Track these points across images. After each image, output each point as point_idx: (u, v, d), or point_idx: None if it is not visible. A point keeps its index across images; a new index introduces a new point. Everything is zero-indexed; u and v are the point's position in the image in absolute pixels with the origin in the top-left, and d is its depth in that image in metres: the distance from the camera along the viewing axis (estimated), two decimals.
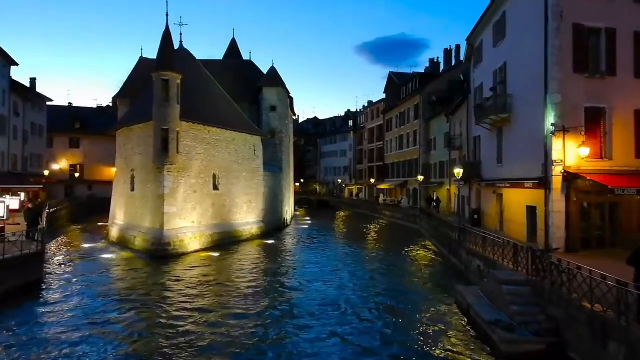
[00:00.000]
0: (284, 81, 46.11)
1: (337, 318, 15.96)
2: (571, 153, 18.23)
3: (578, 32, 18.56)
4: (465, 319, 15.04)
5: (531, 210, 20.68)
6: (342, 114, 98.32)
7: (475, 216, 28.56)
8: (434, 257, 28.71)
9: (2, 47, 38.76)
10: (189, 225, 30.24)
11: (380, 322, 15.67)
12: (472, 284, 18.58)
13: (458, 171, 26.57)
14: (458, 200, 35.80)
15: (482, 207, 29.02)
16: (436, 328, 14.62)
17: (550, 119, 18.51)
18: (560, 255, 14.57)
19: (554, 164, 18.32)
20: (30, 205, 28.49)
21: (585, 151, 17.84)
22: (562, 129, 18.06)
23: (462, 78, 42.04)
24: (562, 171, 18.22)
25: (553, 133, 18.26)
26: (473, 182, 30.68)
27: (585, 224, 18.66)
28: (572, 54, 18.52)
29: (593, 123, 18.65)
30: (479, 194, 30.14)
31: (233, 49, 54.47)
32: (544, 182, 18.84)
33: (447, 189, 42.27)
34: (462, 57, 45.80)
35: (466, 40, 31.27)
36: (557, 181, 18.30)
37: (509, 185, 23.39)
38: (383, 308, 17.32)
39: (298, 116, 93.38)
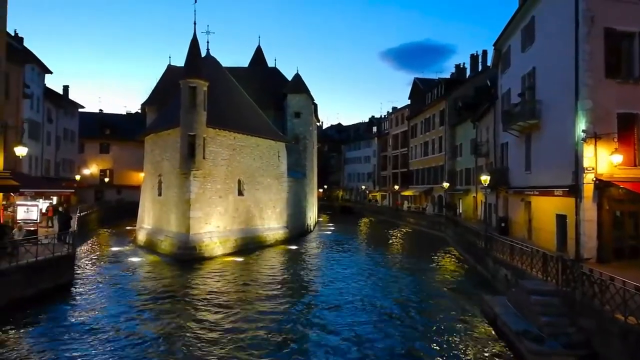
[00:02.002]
0: (309, 88, 46.44)
1: (360, 323, 15.90)
2: (603, 160, 17.73)
3: (610, 36, 18.10)
4: (492, 329, 14.76)
5: (561, 219, 20.19)
6: (366, 120, 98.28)
7: (503, 224, 28.03)
8: (459, 265, 28.28)
9: (37, 56, 40.14)
10: (214, 230, 30.61)
11: (404, 328, 15.51)
12: (499, 293, 18.21)
13: (485, 178, 26.17)
14: (485, 208, 35.21)
15: (509, 215, 28.48)
16: (461, 337, 14.40)
17: (581, 125, 18.07)
18: (591, 266, 14.17)
19: (585, 171, 17.85)
20: (60, 209, 29.39)
21: (618, 158, 17.33)
22: (594, 135, 17.62)
23: (488, 84, 41.48)
24: (594, 179, 17.73)
25: (584, 140, 17.82)
26: (500, 190, 30.15)
27: (617, 233, 18.05)
28: (603, 59, 18.05)
29: (626, 129, 18.11)
30: (506, 202, 29.60)
31: (258, 56, 55.12)
32: (574, 190, 18.37)
33: (474, 196, 41.63)
34: (488, 63, 45.23)
35: (493, 45, 30.87)
36: (588, 189, 17.81)
37: (537, 192, 22.90)
38: (407, 315, 17.15)
39: (322, 122, 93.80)
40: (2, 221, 22.01)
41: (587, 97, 18.01)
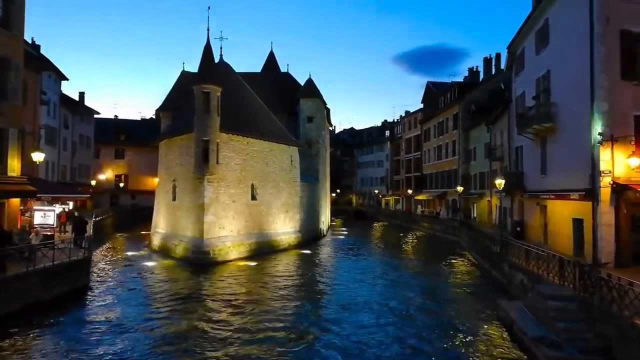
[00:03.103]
0: (321, 92, 46.50)
1: (374, 326, 15.88)
2: (620, 163, 17.44)
3: (626, 38, 17.82)
4: (508, 335, 14.58)
5: (577, 223, 19.89)
6: (379, 124, 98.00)
7: (518, 228, 27.73)
8: (474, 270, 28.02)
9: (54, 63, 40.81)
10: (227, 234, 30.75)
11: (418, 332, 15.35)
12: (514, 298, 17.99)
13: (499, 182, 25.91)
14: (500, 212, 34.87)
15: (525, 219, 28.16)
16: (477, 343, 14.23)
17: (598, 128, 17.81)
18: (609, 270, 13.93)
19: (602, 174, 17.56)
20: (76, 214, 29.75)
21: (636, 161, 17.02)
22: (610, 138, 17.35)
23: (502, 87, 41.14)
24: (611, 182, 17.45)
25: (600, 143, 17.56)
26: (515, 194, 29.83)
27: (636, 237, 17.68)
28: (619, 61, 17.78)
29: None
30: (521, 206, 29.27)
31: (271, 61, 55.39)
32: (591, 194, 18.09)
33: (488, 200, 41.24)
34: (502, 66, 44.90)
35: (507, 48, 30.63)
36: (605, 193, 17.53)
37: (553, 196, 22.61)
38: (421, 319, 17.02)
39: (335, 126, 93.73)
40: (18, 226, 22.40)
41: (602, 100, 17.76)
